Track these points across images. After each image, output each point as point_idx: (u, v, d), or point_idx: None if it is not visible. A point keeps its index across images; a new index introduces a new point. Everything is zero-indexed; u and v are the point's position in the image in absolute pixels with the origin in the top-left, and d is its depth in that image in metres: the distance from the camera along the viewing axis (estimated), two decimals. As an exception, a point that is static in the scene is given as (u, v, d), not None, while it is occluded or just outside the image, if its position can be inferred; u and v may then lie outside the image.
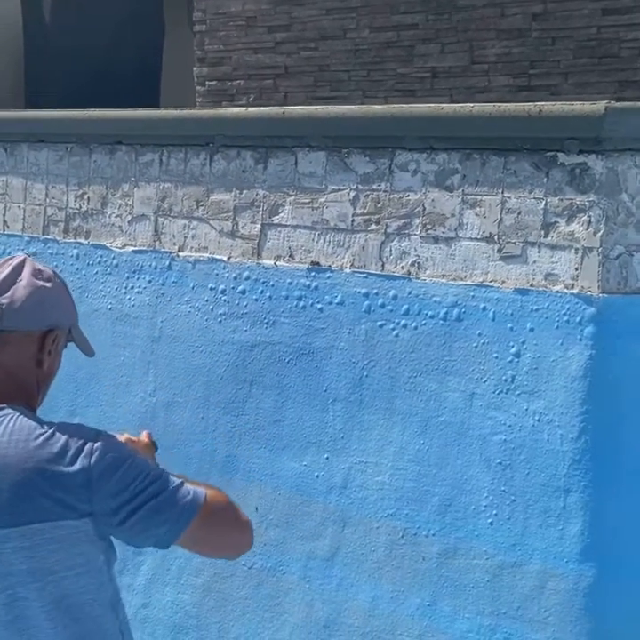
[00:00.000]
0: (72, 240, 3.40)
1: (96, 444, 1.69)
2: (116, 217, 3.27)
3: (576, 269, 2.26)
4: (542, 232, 2.31)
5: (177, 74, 9.12)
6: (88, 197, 3.35)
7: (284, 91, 8.36)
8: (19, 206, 3.58)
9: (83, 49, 10.53)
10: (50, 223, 3.49)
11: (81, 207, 3.38)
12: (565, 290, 2.27)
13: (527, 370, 2.33)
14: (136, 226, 3.21)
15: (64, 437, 1.69)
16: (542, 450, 2.30)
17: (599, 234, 2.22)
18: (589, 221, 2.24)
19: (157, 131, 3.12)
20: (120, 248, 3.25)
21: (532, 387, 2.32)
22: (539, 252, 2.32)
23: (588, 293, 2.23)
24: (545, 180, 2.31)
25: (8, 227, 3.61)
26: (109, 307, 3.27)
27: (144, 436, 1.95)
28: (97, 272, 3.31)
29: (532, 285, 2.33)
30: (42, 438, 1.68)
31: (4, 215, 3.63)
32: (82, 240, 3.37)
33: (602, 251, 2.22)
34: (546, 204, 2.31)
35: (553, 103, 2.26)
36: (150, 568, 3.07)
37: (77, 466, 1.68)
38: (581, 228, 2.25)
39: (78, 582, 1.75)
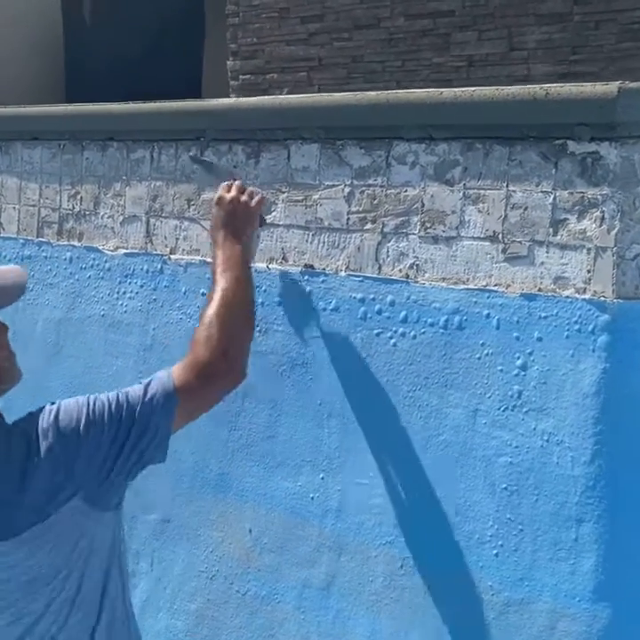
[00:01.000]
0: (65, 242, 3.22)
1: (47, 420, 1.66)
2: (109, 218, 3.08)
3: (588, 272, 2.01)
4: (550, 230, 2.06)
5: (218, 68, 8.93)
6: (81, 197, 3.17)
7: (318, 83, 8.14)
8: (14, 207, 3.41)
9: (122, 45, 10.44)
10: (44, 225, 3.31)
11: (74, 208, 3.20)
12: (576, 295, 2.02)
13: (535, 384, 2.08)
14: (128, 227, 3.02)
15: (18, 435, 1.65)
16: (552, 474, 2.05)
17: (614, 231, 1.97)
18: (603, 217, 1.98)
19: (148, 125, 2.91)
20: (112, 251, 3.06)
21: (540, 403, 2.07)
22: (547, 252, 2.07)
23: (602, 299, 1.98)
24: (553, 171, 2.06)
25: (3, 229, 3.45)
26: (102, 313, 3.08)
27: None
28: (90, 276, 3.12)
29: (539, 290, 2.08)
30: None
31: (-1, 217, 3.47)
32: (75, 242, 3.19)
33: (617, 251, 1.96)
34: (554, 199, 2.06)
35: (561, 85, 2.00)
36: (144, 591, 2.87)
37: (42, 453, 1.62)
38: (594, 226, 2.00)
39: (87, 572, 1.67)
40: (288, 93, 8.08)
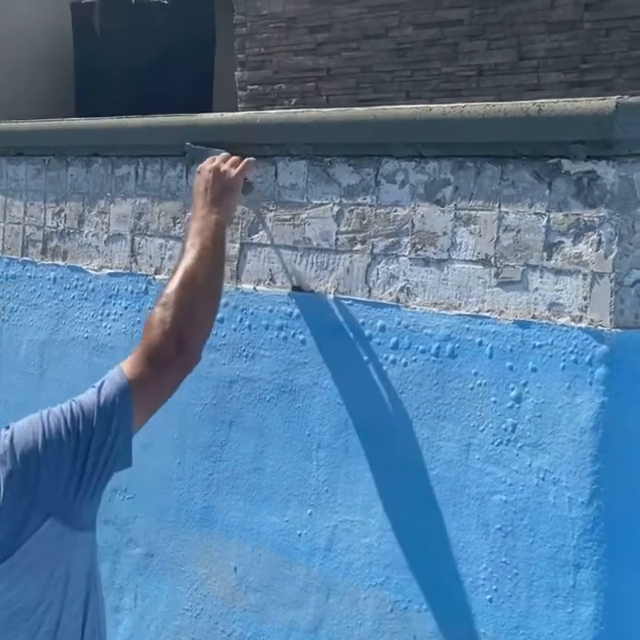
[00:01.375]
0: (50, 262, 3.11)
1: (2, 446, 1.59)
2: (93, 236, 2.97)
3: (584, 299, 1.87)
4: (545, 254, 1.93)
5: (229, 79, 8.84)
6: (65, 215, 3.06)
7: (326, 94, 8.04)
8: (-1, 225, 3.31)
9: (133, 56, 10.37)
10: (29, 243, 3.20)
11: (58, 226, 3.09)
12: (572, 323, 1.89)
13: (530, 417, 1.95)
14: (112, 246, 2.91)
15: None
16: (548, 515, 1.91)
17: (611, 256, 1.84)
18: (599, 241, 1.85)
19: (132, 140, 2.80)
20: (96, 270, 2.95)
21: (535, 438, 1.94)
22: (541, 277, 1.94)
23: (599, 328, 1.85)
24: (547, 191, 1.93)
25: (-11, 247, 3.35)
26: (86, 335, 2.96)
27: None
28: (74, 297, 3.01)
29: (533, 317, 1.95)
30: None
31: (-16, 235, 3.36)
32: (59, 262, 3.08)
33: (614, 276, 1.83)
34: (548, 221, 1.93)
35: (554, 100, 1.87)
36: (128, 628, 2.76)
37: (2, 481, 1.55)
38: (590, 250, 1.87)
39: (66, 603, 1.59)
40: (296, 104, 7.98)
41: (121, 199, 2.88)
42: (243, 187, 2.23)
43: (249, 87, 8.48)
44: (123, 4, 10.84)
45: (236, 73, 8.57)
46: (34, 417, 1.65)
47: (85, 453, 1.61)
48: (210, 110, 9.24)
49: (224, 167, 2.15)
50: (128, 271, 2.85)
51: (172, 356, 1.75)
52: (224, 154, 2.26)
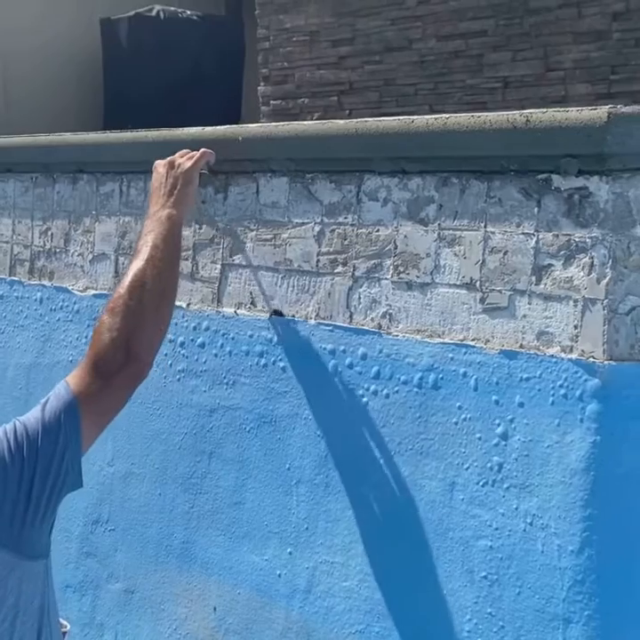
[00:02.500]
0: (36, 282, 2.99)
1: None
2: (78, 256, 2.85)
3: (575, 327, 1.71)
4: (533, 278, 1.77)
5: (255, 95, 8.75)
6: (52, 234, 2.95)
7: (349, 108, 7.90)
8: (-12, 244, 3.21)
9: (162, 72, 10.32)
10: (16, 263, 3.09)
11: (45, 245, 2.98)
12: (562, 354, 1.73)
13: (516, 456, 1.79)
14: (97, 266, 2.79)
15: None
16: (536, 564, 1.75)
17: (604, 281, 1.67)
18: (592, 264, 1.69)
19: (115, 156, 2.68)
20: (81, 291, 2.83)
21: (522, 479, 1.78)
22: (529, 303, 1.78)
23: (591, 360, 1.68)
24: (536, 210, 1.77)
25: (-21, 267, 3.24)
26: (70, 359, 2.84)
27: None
28: (59, 319, 2.90)
29: (521, 346, 1.79)
30: None
31: (-26, 254, 3.26)
32: (45, 282, 2.96)
33: (608, 303, 1.67)
34: (537, 242, 1.77)
35: (543, 111, 1.72)
36: (108, 667, 2.62)
37: None
38: (582, 274, 1.71)
39: (15, 637, 1.49)
40: (318, 119, 7.85)
41: (105, 217, 2.75)
42: (201, 180, 2.08)
43: (272, 102, 8.37)
44: (152, 19, 10.80)
45: (258, 88, 8.47)
46: None
47: (31, 480, 1.50)
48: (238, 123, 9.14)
49: (179, 160, 2.01)
50: (112, 292, 2.72)
51: (119, 365, 1.62)
52: (183, 151, 2.10)
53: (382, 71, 7.60)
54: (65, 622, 1.74)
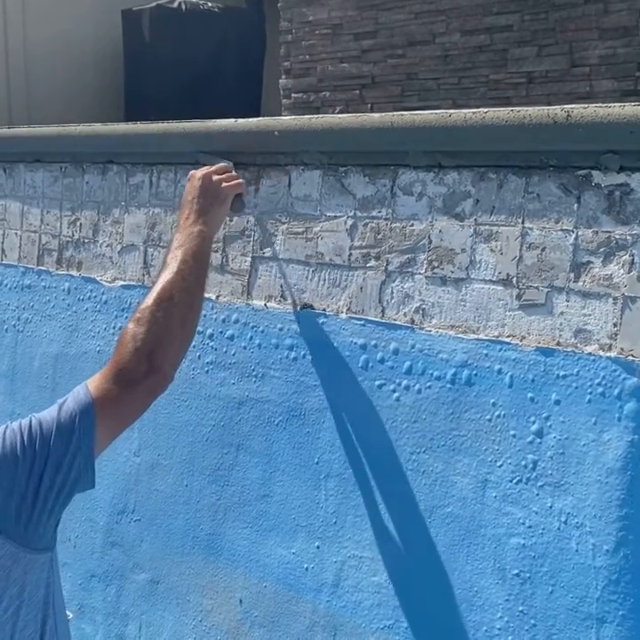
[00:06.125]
0: (64, 272, 3.00)
1: None
2: (107, 246, 2.85)
3: (614, 325, 1.70)
4: (572, 275, 1.76)
5: (276, 87, 8.74)
6: (80, 224, 2.94)
7: (371, 101, 7.88)
8: (16, 233, 3.21)
9: (182, 63, 10.32)
10: (44, 252, 3.09)
11: (74, 235, 2.97)
12: (600, 352, 1.71)
13: (552, 454, 1.78)
14: (125, 257, 2.78)
15: None
16: (570, 563, 1.74)
17: (644, 278, 1.66)
18: (632, 262, 1.68)
19: (145, 147, 2.68)
20: (110, 282, 2.83)
21: (557, 477, 1.77)
22: (567, 300, 1.77)
23: (630, 358, 1.67)
24: (575, 206, 1.75)
25: (6, 256, 3.24)
26: (98, 349, 2.84)
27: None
28: (87, 309, 2.90)
29: (558, 344, 1.78)
30: None
31: (2, 243, 3.26)
32: (73, 272, 2.96)
33: (647, 301, 1.65)
34: (576, 239, 1.75)
35: (584, 106, 1.70)
36: (131, 658, 2.62)
37: None
38: (622, 271, 1.69)
39: (18, 628, 1.51)
40: (339, 112, 7.83)
41: (135, 208, 2.75)
42: (234, 204, 2.08)
43: (293, 95, 8.36)
44: (173, 10, 10.80)
45: (280, 81, 8.45)
46: None
47: (40, 475, 1.51)
48: (258, 116, 9.12)
49: (215, 177, 2.01)
50: (141, 283, 2.72)
51: (140, 375, 1.61)
52: (222, 163, 2.12)
53: (405, 65, 7.58)
54: (68, 612, 1.76)
